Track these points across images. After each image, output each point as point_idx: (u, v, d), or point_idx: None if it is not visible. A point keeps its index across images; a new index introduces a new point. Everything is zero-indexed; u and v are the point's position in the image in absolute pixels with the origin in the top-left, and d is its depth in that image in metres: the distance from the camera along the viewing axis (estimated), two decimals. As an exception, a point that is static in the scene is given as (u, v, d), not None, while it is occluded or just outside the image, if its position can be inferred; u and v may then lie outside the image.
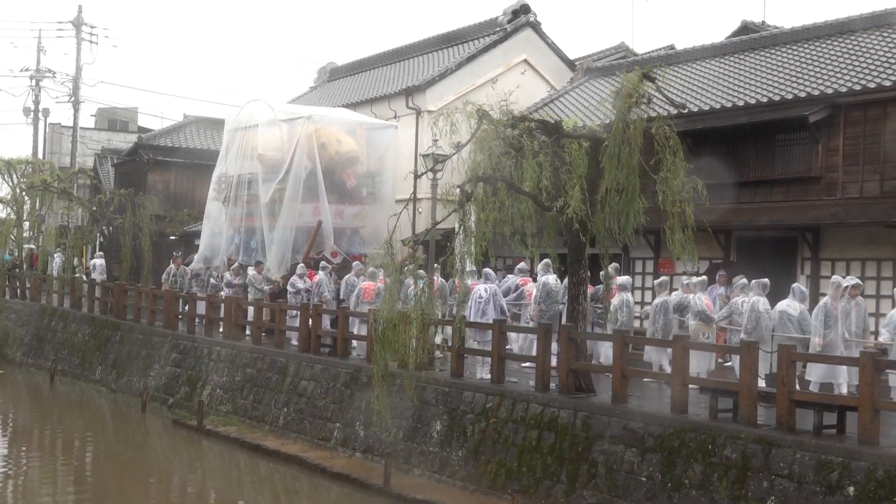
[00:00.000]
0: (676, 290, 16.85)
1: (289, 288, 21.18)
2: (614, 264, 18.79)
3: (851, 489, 9.92)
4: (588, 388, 13.92)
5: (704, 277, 16.77)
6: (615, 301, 16.24)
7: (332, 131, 24.89)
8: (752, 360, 11.55)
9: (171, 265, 26.81)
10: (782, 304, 14.22)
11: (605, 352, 16.38)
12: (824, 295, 18.04)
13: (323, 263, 21.57)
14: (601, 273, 17.01)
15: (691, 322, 15.71)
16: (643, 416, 12.36)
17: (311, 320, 18.87)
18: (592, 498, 12.21)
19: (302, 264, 21.92)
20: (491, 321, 15.76)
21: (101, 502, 15.07)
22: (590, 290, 16.80)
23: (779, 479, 10.53)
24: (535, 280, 17.68)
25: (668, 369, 15.01)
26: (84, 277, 31.25)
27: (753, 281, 14.84)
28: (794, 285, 14.68)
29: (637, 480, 11.85)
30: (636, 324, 18.05)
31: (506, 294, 18.36)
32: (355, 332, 18.39)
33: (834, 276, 14.56)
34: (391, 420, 15.27)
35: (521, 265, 18.79)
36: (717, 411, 11.89)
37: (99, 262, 31.27)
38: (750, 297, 14.59)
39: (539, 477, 12.97)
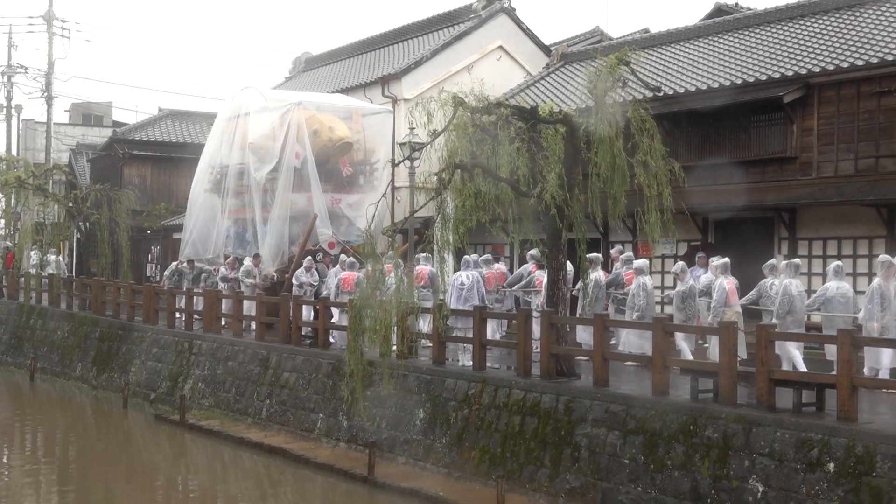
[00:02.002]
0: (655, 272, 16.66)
1: (293, 281, 20.89)
2: (621, 249, 18.69)
3: (831, 465, 10.02)
4: (570, 372, 13.96)
5: (727, 260, 15.48)
6: (632, 286, 15.96)
7: (324, 118, 24.30)
8: (730, 340, 11.62)
9: (181, 263, 26.09)
10: (835, 287, 13.84)
11: (623, 337, 16.32)
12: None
13: (343, 257, 21.11)
14: (620, 256, 16.97)
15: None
16: (625, 398, 12.42)
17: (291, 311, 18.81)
18: (576, 481, 12.27)
19: (310, 257, 21.38)
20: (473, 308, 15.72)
21: (85, 500, 14.99)
22: (604, 275, 16.74)
23: (760, 457, 10.61)
24: (541, 267, 16.76)
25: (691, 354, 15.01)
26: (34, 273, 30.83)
27: (784, 263, 14.56)
28: (837, 264, 14.30)
29: (620, 462, 11.92)
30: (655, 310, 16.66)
31: (518, 281, 18.18)
32: (336, 322, 18.31)
33: (882, 256, 13.78)
34: (374, 409, 15.28)
35: (534, 252, 17.00)
36: (698, 392, 11.96)
37: (53, 258, 30.88)
38: (781, 280, 14.20)
39: (522, 462, 13.02)
